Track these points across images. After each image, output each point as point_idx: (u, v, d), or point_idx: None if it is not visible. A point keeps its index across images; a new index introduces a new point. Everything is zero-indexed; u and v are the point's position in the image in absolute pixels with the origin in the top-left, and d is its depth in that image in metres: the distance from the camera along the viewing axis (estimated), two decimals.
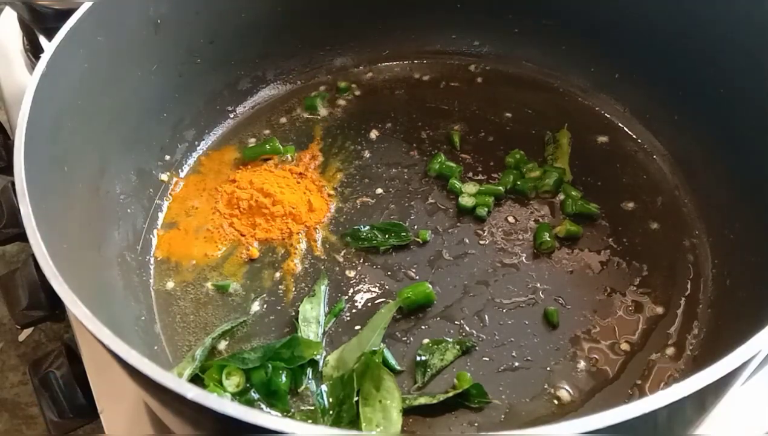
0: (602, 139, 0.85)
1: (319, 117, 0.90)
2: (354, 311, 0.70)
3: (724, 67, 0.73)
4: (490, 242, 0.76)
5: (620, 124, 0.87)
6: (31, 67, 0.95)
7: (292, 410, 0.63)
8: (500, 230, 0.77)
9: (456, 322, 0.69)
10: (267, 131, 0.88)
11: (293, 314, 0.70)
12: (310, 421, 0.62)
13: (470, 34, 0.94)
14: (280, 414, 0.62)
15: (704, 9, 0.74)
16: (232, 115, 0.89)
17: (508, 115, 0.88)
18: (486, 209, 0.77)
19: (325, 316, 0.70)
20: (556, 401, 0.63)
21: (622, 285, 0.71)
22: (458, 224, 0.77)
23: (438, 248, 0.75)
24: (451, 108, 0.90)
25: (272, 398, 0.63)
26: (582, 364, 0.66)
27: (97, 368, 0.66)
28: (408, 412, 0.62)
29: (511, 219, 0.78)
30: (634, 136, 0.85)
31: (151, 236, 0.77)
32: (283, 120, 0.89)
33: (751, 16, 0.69)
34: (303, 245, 0.76)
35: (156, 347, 0.68)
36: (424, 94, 0.92)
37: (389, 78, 0.94)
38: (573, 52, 0.90)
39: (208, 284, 0.73)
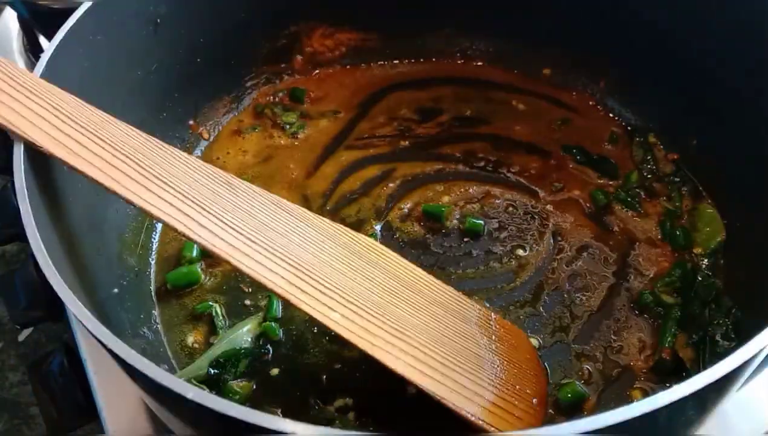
0: (603, 139, 0.85)
1: None
2: None
3: (725, 67, 0.73)
4: (494, 236, 0.76)
5: (620, 124, 0.87)
6: (31, 67, 0.95)
7: None
8: (506, 224, 0.77)
9: None
10: (268, 131, 0.88)
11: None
12: None
13: (470, 35, 0.94)
14: None
15: (704, 10, 0.74)
16: (232, 115, 0.89)
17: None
18: None
19: None
20: (556, 401, 0.63)
21: (622, 285, 0.71)
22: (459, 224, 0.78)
23: (436, 248, 0.75)
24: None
25: None
26: (582, 364, 0.66)
27: (97, 368, 0.66)
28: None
29: (512, 209, 0.78)
30: (634, 136, 0.85)
31: (152, 236, 0.77)
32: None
33: (751, 16, 0.69)
34: None
35: (156, 348, 0.68)
36: (424, 94, 0.92)
37: (389, 78, 0.94)
38: (573, 53, 0.90)
39: (208, 284, 0.73)
